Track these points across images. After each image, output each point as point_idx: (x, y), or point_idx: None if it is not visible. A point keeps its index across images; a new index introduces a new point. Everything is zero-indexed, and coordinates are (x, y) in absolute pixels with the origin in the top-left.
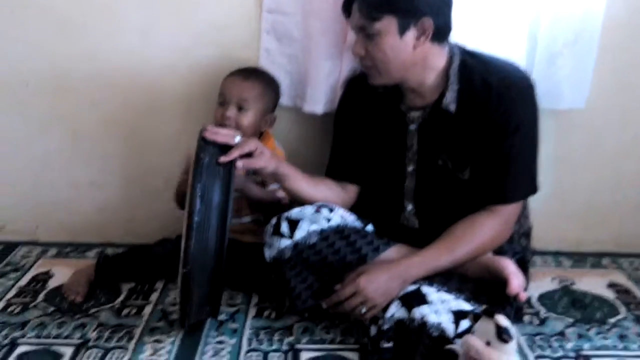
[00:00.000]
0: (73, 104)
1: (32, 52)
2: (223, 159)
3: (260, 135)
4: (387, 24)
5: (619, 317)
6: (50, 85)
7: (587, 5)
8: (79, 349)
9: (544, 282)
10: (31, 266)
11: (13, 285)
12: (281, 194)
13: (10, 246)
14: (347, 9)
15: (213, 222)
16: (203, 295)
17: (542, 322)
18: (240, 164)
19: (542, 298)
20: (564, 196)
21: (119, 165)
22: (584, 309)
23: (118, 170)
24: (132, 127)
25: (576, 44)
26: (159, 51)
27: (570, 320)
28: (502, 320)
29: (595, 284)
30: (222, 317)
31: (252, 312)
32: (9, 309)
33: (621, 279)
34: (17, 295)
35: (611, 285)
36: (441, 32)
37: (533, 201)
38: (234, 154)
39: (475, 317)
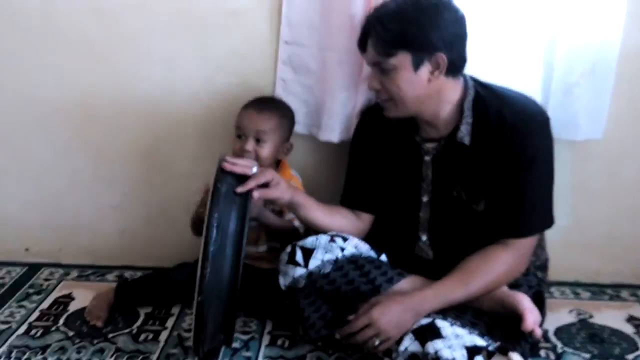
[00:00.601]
0: (98, 130)
1: (62, 80)
2: (240, 189)
3: (277, 163)
4: (402, 60)
5: (638, 353)
6: (77, 111)
7: (603, 35)
8: None
9: (561, 314)
10: (53, 289)
11: (35, 308)
12: (297, 222)
13: (34, 268)
14: (362, 45)
15: (228, 251)
16: (217, 324)
17: (559, 357)
18: (256, 194)
19: (559, 332)
20: (582, 227)
21: (140, 189)
22: (601, 344)
23: (139, 194)
24: (153, 152)
25: (593, 74)
26: (181, 80)
27: (587, 356)
28: (516, 358)
29: (614, 317)
30: (236, 344)
31: (266, 340)
32: (31, 332)
33: None
34: (39, 318)
35: (630, 319)
36: (455, 66)
37: (550, 232)
38: (250, 185)
39: (489, 354)
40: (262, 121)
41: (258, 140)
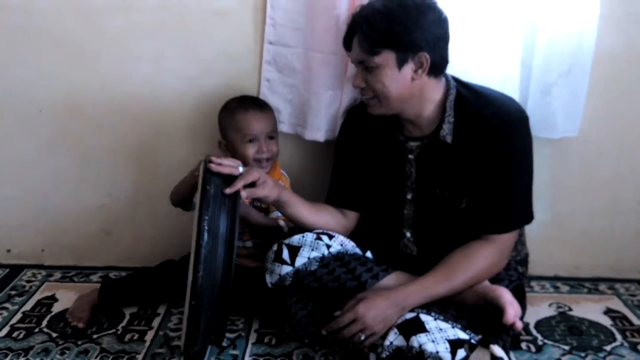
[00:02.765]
0: (83, 129)
1: (46, 79)
2: (228, 190)
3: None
4: (386, 58)
5: (615, 344)
6: (62, 111)
7: (579, 38)
8: None
9: (541, 308)
10: (36, 290)
11: (18, 310)
12: (282, 222)
13: (16, 269)
14: (347, 44)
15: (220, 253)
16: (209, 325)
17: (539, 349)
18: (244, 194)
19: (540, 324)
20: (561, 222)
21: (126, 189)
22: (580, 336)
23: (125, 193)
24: (139, 152)
25: (570, 75)
26: (167, 80)
27: (567, 347)
28: (497, 350)
29: (592, 310)
30: (223, 342)
31: (253, 337)
32: (14, 334)
33: (618, 305)
34: (21, 320)
35: (608, 312)
36: (438, 66)
37: (530, 227)
38: (238, 185)
39: (472, 347)
40: (269, 119)
41: (270, 138)
